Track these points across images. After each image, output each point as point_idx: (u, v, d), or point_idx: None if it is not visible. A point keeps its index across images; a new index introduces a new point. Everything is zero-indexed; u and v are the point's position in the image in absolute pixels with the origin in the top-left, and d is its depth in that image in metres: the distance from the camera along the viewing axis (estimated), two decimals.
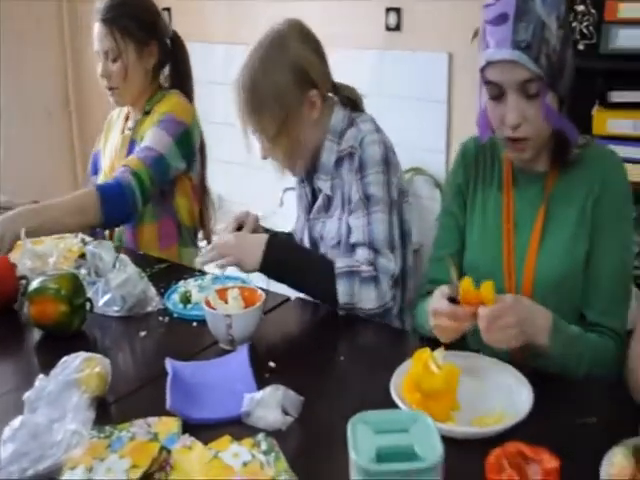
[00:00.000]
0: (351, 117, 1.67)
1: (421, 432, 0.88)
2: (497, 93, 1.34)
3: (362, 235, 1.58)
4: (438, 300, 1.28)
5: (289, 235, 1.89)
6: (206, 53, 3.56)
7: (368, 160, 1.59)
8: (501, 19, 1.29)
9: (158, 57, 2.05)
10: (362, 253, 1.58)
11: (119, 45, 1.94)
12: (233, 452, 1.06)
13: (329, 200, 1.70)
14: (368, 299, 1.53)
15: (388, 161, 1.61)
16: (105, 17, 1.93)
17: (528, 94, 1.31)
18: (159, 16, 2.06)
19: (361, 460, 0.83)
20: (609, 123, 2.27)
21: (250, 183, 3.56)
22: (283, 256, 1.58)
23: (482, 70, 1.34)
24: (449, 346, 1.26)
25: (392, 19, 3.10)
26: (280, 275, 1.59)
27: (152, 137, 1.94)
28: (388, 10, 3.09)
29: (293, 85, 1.58)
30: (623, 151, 2.16)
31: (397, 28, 3.09)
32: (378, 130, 1.64)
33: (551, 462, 0.93)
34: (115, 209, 1.82)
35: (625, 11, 2.29)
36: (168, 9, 3.72)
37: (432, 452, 0.84)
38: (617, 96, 2.27)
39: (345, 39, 3.17)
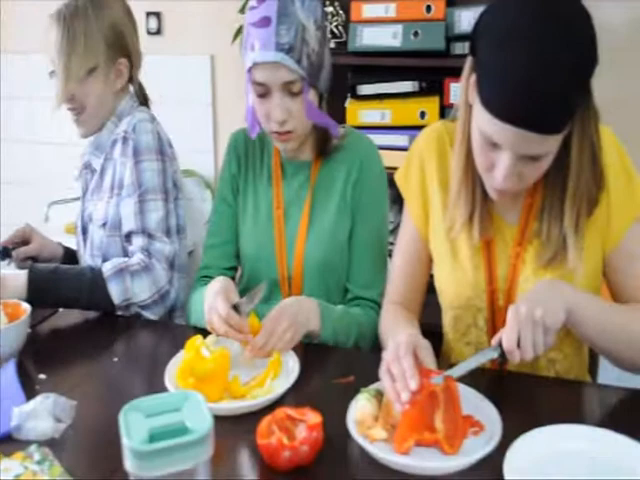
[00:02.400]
0: (134, 106, 1.71)
1: (192, 408, 0.90)
2: (263, 92, 1.42)
3: (135, 223, 1.57)
4: (222, 301, 1.30)
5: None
6: None
7: (143, 146, 1.59)
8: (264, 22, 1.37)
9: None
10: (136, 241, 1.58)
11: None
12: (3, 467, 1.01)
13: (101, 178, 1.69)
14: (142, 290, 1.53)
15: (163, 150, 1.62)
16: None
17: (292, 92, 1.41)
18: None
19: (133, 443, 0.84)
20: (360, 114, 2.45)
21: (11, 200, 3.35)
22: (47, 285, 1.51)
23: (249, 71, 1.41)
24: None
25: (153, 23, 3.09)
26: (51, 302, 1.54)
27: None
28: (148, 14, 3.07)
29: (107, 43, 1.62)
30: (375, 139, 2.32)
31: (158, 32, 3.09)
32: (153, 121, 1.65)
33: (314, 419, 1.01)
34: None
35: (368, 11, 2.49)
36: None
37: (202, 425, 0.87)
38: (365, 89, 2.46)
39: None
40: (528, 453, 0.98)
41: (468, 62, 1.15)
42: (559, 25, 1.01)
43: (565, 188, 1.16)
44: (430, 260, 1.38)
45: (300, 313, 1.33)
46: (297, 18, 1.37)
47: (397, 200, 2.29)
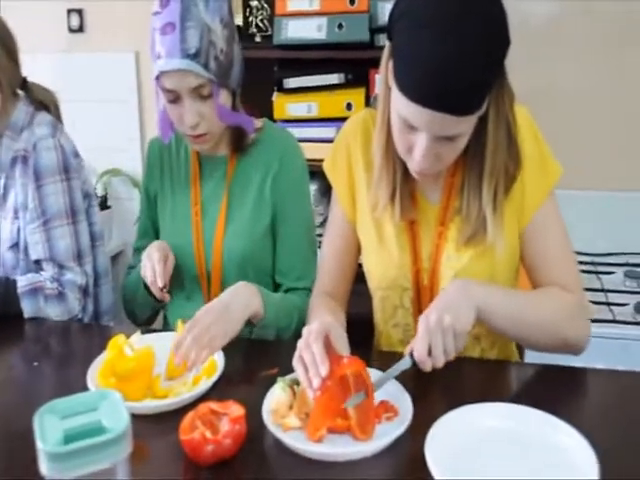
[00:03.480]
0: (33, 115, 1.58)
1: (109, 407, 0.88)
2: (173, 98, 1.40)
3: (43, 252, 1.53)
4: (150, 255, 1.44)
5: None
6: None
7: (43, 169, 1.52)
8: (168, 28, 1.33)
9: None
10: (47, 269, 1.54)
11: None
12: None
13: (4, 199, 1.60)
14: (54, 314, 1.51)
15: (67, 167, 1.55)
16: None
17: (202, 95, 1.39)
18: None
19: (46, 446, 0.81)
20: (288, 107, 2.44)
21: None
22: None
23: (157, 79, 1.38)
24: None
25: (74, 20, 3.01)
26: None
27: None
28: (70, 11, 3.00)
29: None
30: (302, 132, 2.36)
31: (80, 29, 3.02)
32: (54, 134, 1.55)
33: (237, 411, 1.00)
34: None
35: (292, 5, 2.49)
36: None
37: (119, 423, 0.85)
38: (291, 82, 2.45)
39: (24, 43, 2.99)
40: (450, 433, 0.99)
41: (386, 47, 1.15)
42: (472, 11, 1.01)
43: (483, 166, 1.19)
44: (359, 248, 1.39)
45: (235, 302, 1.30)
46: (202, 20, 1.34)
47: (326, 193, 2.30)
